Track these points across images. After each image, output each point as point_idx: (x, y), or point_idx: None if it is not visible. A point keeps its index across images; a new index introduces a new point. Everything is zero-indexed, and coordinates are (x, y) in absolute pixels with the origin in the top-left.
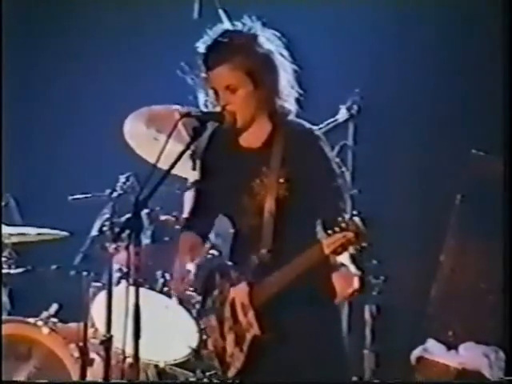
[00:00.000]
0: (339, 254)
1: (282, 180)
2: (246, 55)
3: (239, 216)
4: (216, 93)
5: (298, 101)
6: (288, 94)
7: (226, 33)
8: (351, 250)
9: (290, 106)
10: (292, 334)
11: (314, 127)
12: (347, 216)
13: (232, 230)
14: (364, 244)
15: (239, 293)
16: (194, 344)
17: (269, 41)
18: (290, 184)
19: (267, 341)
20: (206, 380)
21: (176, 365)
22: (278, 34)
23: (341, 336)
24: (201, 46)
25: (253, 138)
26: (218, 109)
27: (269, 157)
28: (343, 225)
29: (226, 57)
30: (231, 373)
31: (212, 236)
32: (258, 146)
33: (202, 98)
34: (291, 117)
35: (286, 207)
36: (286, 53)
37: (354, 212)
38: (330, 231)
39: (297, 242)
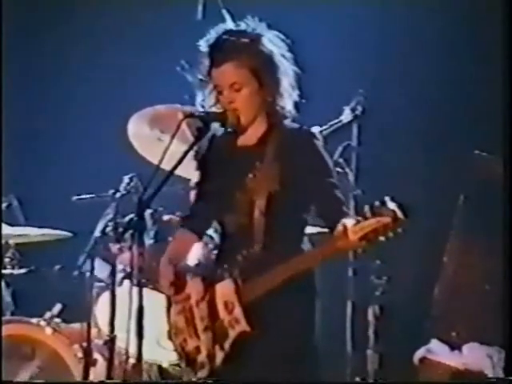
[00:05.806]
0: (370, 240)
1: (274, 175)
2: (251, 54)
3: (233, 212)
4: (219, 92)
5: (296, 105)
6: (288, 97)
7: (229, 32)
8: (383, 236)
9: (288, 108)
10: (277, 330)
11: (310, 128)
12: (377, 202)
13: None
14: (399, 230)
15: (223, 290)
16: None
17: (272, 42)
18: (282, 179)
19: (255, 337)
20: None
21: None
22: (281, 35)
23: (312, 334)
24: (203, 45)
25: (248, 136)
26: (219, 109)
27: (262, 153)
28: (376, 210)
29: (232, 54)
30: (202, 373)
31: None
32: (253, 143)
33: (199, 97)
34: (289, 120)
35: (278, 202)
36: (288, 55)
37: (386, 198)
38: (359, 217)
39: (287, 238)
